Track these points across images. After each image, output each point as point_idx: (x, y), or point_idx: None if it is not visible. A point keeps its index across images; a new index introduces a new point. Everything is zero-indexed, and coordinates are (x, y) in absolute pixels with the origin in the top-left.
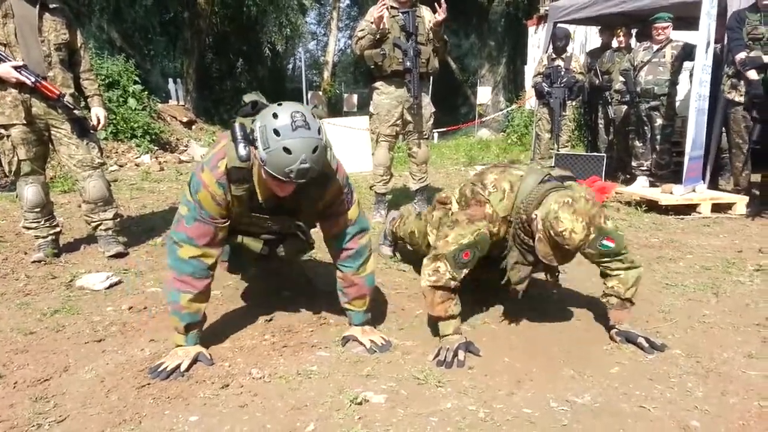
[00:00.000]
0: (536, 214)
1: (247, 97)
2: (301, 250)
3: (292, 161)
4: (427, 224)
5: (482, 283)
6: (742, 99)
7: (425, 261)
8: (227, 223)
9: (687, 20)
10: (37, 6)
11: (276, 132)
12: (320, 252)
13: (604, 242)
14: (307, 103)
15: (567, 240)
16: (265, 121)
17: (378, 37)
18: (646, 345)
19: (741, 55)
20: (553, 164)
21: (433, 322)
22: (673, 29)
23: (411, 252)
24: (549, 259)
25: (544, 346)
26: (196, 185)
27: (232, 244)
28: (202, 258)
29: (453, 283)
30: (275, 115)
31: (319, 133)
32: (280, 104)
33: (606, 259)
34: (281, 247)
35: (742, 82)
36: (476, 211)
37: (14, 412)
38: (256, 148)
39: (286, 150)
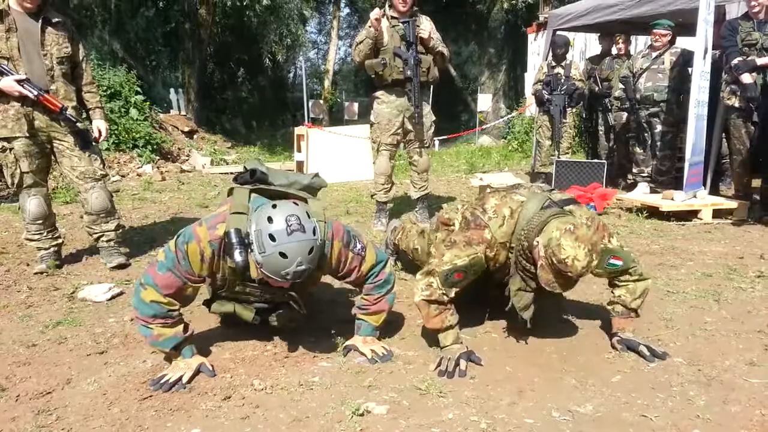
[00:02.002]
0: (538, 241)
1: (249, 164)
2: (293, 319)
3: (288, 264)
4: (430, 244)
5: (490, 297)
6: (743, 104)
7: (418, 276)
8: (200, 284)
9: (686, 26)
10: (40, 20)
11: (271, 237)
12: None
13: (612, 261)
14: (308, 112)
15: (569, 267)
16: (260, 226)
17: (375, 44)
18: (648, 353)
19: (735, 61)
20: (553, 171)
21: (432, 335)
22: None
23: (414, 263)
24: (552, 286)
25: (546, 355)
26: (188, 237)
27: (223, 312)
28: (165, 304)
29: (445, 298)
30: (270, 219)
31: (314, 234)
32: (274, 206)
33: (615, 275)
34: (273, 317)
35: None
36: (475, 235)
37: (17, 426)
38: (251, 251)
39: (282, 255)
